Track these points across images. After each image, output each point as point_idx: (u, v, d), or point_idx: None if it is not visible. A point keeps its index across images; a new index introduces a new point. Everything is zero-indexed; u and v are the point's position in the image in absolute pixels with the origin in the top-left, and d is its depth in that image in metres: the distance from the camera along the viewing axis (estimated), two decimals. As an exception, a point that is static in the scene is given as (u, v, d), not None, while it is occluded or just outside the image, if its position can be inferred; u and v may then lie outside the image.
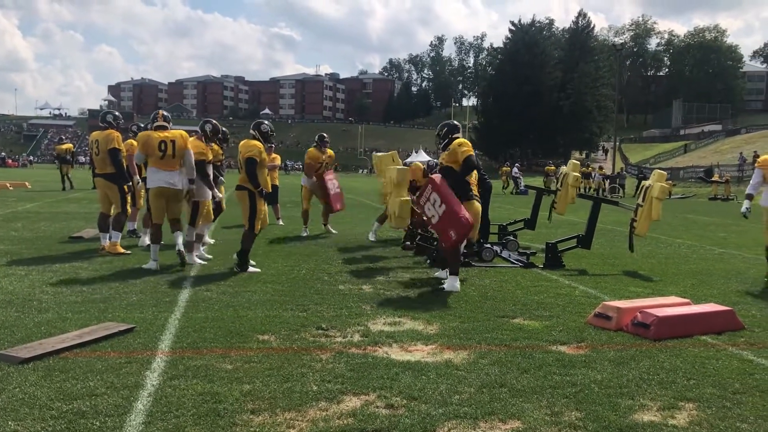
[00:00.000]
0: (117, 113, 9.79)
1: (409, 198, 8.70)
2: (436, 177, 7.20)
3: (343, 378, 4.13)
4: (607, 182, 39.05)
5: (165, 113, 8.39)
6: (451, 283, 7.13)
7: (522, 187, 36.51)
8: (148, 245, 8.40)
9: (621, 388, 4.11)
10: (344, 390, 3.93)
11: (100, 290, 6.52)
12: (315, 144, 12.27)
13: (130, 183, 9.60)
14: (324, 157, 12.19)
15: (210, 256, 8.83)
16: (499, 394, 3.94)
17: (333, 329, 5.33)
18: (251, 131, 8.13)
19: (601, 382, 4.21)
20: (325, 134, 12.50)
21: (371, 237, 11.19)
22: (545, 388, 4.06)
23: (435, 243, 8.74)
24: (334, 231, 12.31)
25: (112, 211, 9.25)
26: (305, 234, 11.91)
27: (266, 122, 8.40)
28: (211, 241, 10.31)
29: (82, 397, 3.68)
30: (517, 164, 45.33)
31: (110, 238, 9.01)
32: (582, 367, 4.50)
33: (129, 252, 9.05)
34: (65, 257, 8.52)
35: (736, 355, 4.93)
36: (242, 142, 7.93)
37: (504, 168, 42.52)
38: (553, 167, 41.98)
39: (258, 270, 7.87)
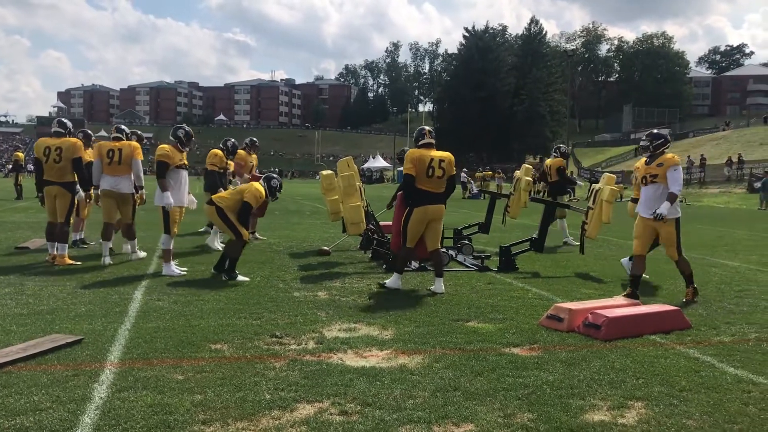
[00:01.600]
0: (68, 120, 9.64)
1: (359, 203, 8.71)
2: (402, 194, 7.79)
3: (296, 386, 4.10)
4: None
5: (122, 127, 9.54)
6: (394, 281, 7.46)
7: (474, 191, 37.11)
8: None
9: (572, 388, 4.17)
10: (298, 398, 3.90)
11: (46, 301, 6.34)
12: (245, 146, 12.53)
13: (82, 192, 9.35)
14: (251, 159, 12.48)
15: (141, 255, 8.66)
16: (452, 397, 3.96)
17: (287, 337, 5.28)
18: (170, 138, 8.47)
19: (553, 383, 4.26)
20: (255, 139, 13.00)
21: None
22: (498, 391, 4.10)
23: (389, 248, 8.76)
24: (261, 237, 12.34)
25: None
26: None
27: (184, 126, 8.71)
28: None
29: (26, 412, 3.57)
30: (465, 169, 45.87)
31: (57, 250, 8.79)
32: (534, 369, 4.55)
33: (79, 263, 8.82)
34: (10, 269, 8.26)
35: (683, 354, 5.05)
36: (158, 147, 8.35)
37: (479, 173, 42.86)
38: (489, 172, 42.62)
39: (247, 279, 7.81)
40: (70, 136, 9.02)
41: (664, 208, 6.93)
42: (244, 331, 5.42)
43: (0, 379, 4.10)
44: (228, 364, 4.53)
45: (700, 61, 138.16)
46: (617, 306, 5.96)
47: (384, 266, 8.96)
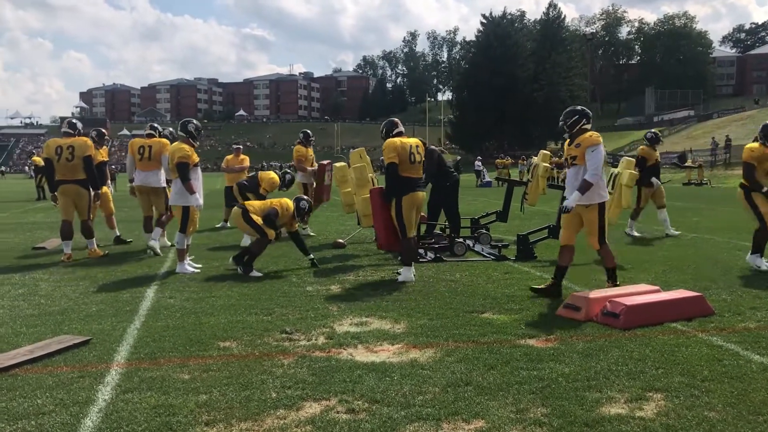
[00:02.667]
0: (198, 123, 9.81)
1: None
2: (375, 190, 7.81)
3: (303, 383, 4.00)
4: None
5: (155, 125, 10.22)
6: (405, 274, 7.36)
7: (486, 179, 37.01)
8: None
9: (589, 380, 4.03)
10: (304, 396, 3.80)
11: (58, 302, 6.32)
12: (299, 140, 12.25)
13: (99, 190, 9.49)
14: (309, 152, 12.18)
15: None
16: (464, 392, 3.84)
17: (297, 332, 5.19)
18: (179, 132, 8.39)
19: (569, 375, 4.12)
20: (309, 131, 12.60)
21: None
22: (511, 384, 3.97)
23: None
24: (312, 233, 12.20)
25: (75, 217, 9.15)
26: (309, 233, 11.88)
27: (193, 121, 8.65)
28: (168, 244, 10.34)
29: (28, 416, 3.51)
30: (479, 158, 45.65)
31: (88, 246, 9.32)
32: (550, 361, 4.41)
33: (107, 252, 9.51)
34: (26, 269, 8.29)
35: (706, 342, 4.87)
36: (172, 146, 8.26)
37: (499, 160, 42.57)
38: (504, 160, 42.28)
39: (260, 274, 7.74)
40: (80, 136, 9.14)
41: (572, 199, 6.21)
42: (254, 327, 5.34)
43: (5, 381, 4.06)
44: (235, 362, 4.45)
45: (724, 40, 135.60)
46: (636, 293, 5.77)
47: (399, 258, 8.84)
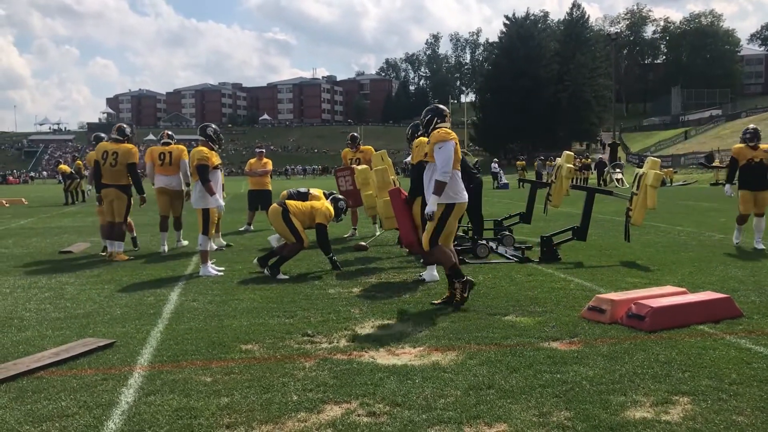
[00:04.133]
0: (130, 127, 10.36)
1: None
2: (394, 190, 7.39)
3: (325, 386, 3.99)
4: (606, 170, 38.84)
5: (169, 133, 10.94)
6: (430, 273, 7.37)
7: (503, 181, 36.94)
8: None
9: (613, 384, 3.96)
10: (325, 399, 3.79)
11: (83, 305, 6.39)
12: (348, 143, 12.48)
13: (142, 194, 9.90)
14: (355, 155, 12.18)
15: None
16: (486, 396, 3.80)
17: (319, 335, 5.19)
18: (199, 136, 8.49)
19: (593, 378, 4.06)
20: (356, 134, 12.79)
21: None
22: (534, 388, 3.92)
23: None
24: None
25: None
26: (354, 234, 12.20)
27: (212, 125, 8.74)
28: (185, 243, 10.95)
29: (52, 418, 3.54)
30: (495, 160, 45.52)
31: (115, 248, 9.53)
32: (574, 364, 4.35)
33: (132, 257, 9.70)
34: (52, 272, 8.40)
35: (734, 344, 4.77)
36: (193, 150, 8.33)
37: (518, 162, 42.47)
38: (523, 161, 42.17)
39: (286, 277, 7.76)
40: (128, 143, 9.68)
41: (430, 205, 5.89)
42: (276, 330, 5.34)
43: (31, 384, 4.10)
44: (257, 364, 4.46)
45: (752, 38, 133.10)
46: (662, 295, 5.68)
47: (421, 261, 8.80)
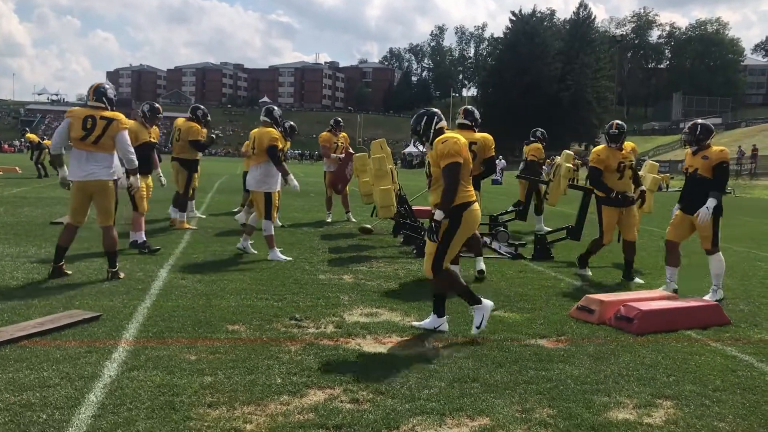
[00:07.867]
0: (205, 110, 10.83)
1: (390, 186, 8.53)
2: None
3: (309, 371, 3.98)
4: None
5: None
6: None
7: (496, 177, 37.55)
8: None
9: (598, 384, 3.97)
10: (309, 383, 3.78)
11: (72, 277, 6.36)
12: (329, 128, 12.51)
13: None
14: (336, 139, 12.32)
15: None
16: (470, 389, 3.80)
17: (307, 320, 5.18)
18: (263, 118, 8.14)
19: (578, 377, 4.06)
20: (340, 119, 12.83)
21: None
22: (519, 384, 3.92)
23: (422, 233, 8.58)
24: (353, 219, 12.45)
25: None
26: (329, 220, 12.35)
27: (276, 108, 8.42)
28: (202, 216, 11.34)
29: (33, 388, 3.53)
30: (500, 156, 45.49)
31: (179, 217, 10.40)
32: (559, 362, 4.35)
33: (195, 227, 10.50)
34: (43, 243, 8.34)
35: (720, 351, 4.78)
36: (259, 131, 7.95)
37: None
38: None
39: (290, 259, 7.85)
40: (196, 122, 10.36)
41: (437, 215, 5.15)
42: (264, 312, 5.33)
43: (14, 352, 4.08)
44: (243, 345, 4.44)
45: (757, 48, 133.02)
46: (651, 299, 5.69)
47: (414, 251, 8.79)
